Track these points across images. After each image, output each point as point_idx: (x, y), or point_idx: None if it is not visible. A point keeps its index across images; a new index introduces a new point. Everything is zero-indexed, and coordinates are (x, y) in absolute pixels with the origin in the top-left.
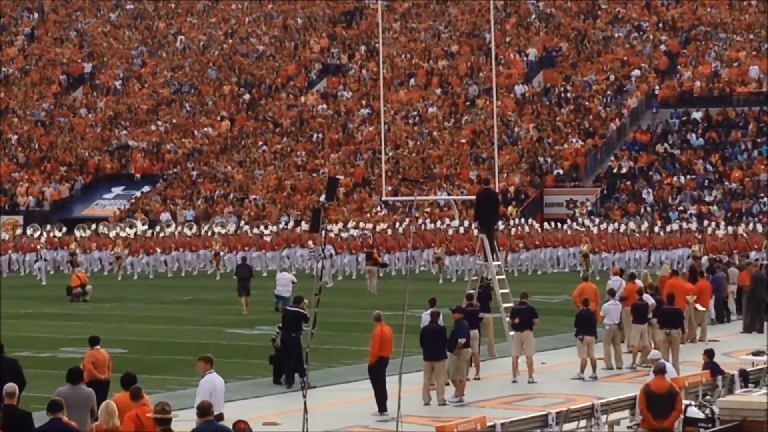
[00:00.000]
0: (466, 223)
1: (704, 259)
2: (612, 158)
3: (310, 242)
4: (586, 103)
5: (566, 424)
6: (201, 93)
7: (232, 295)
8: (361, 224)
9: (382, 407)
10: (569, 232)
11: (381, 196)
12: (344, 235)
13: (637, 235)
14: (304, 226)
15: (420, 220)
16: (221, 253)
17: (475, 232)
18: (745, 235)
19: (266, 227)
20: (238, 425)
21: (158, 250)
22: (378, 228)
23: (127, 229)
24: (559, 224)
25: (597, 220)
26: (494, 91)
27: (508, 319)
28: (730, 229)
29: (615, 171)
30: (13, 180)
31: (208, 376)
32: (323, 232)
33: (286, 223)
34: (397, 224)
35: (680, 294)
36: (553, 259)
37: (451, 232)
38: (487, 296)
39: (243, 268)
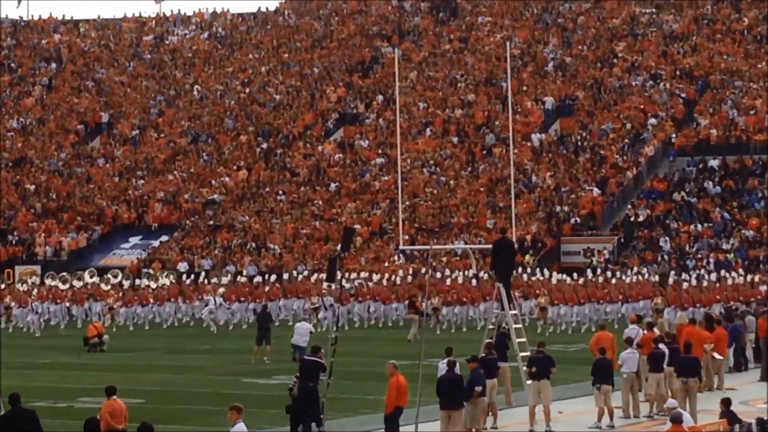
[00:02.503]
0: (468, 272)
1: (716, 308)
2: (629, 207)
3: (314, 297)
4: (603, 152)
5: None
6: (218, 142)
7: (249, 344)
8: (353, 275)
9: None
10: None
11: (398, 245)
12: (348, 285)
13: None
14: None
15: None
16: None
17: (473, 282)
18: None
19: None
20: None
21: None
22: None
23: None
24: (575, 275)
25: (610, 272)
26: (511, 139)
27: (525, 368)
28: (749, 277)
29: (632, 219)
30: (31, 230)
31: (237, 426)
32: (339, 281)
33: (301, 273)
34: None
35: (697, 342)
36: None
37: (449, 282)
38: (503, 345)
39: (264, 316)
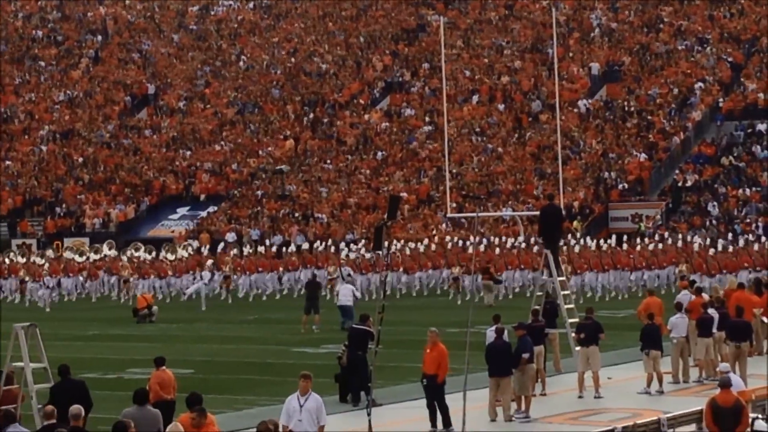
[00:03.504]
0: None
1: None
2: (677, 172)
3: (331, 267)
4: (650, 117)
5: None
6: (265, 112)
7: (297, 314)
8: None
9: (447, 423)
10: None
11: (445, 213)
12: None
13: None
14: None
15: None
16: (233, 276)
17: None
18: None
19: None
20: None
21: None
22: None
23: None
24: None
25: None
26: (557, 105)
27: (573, 334)
28: None
29: (680, 184)
30: (79, 202)
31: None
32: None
33: (353, 241)
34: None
35: (747, 307)
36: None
37: (471, 250)
38: (552, 312)
39: (312, 285)
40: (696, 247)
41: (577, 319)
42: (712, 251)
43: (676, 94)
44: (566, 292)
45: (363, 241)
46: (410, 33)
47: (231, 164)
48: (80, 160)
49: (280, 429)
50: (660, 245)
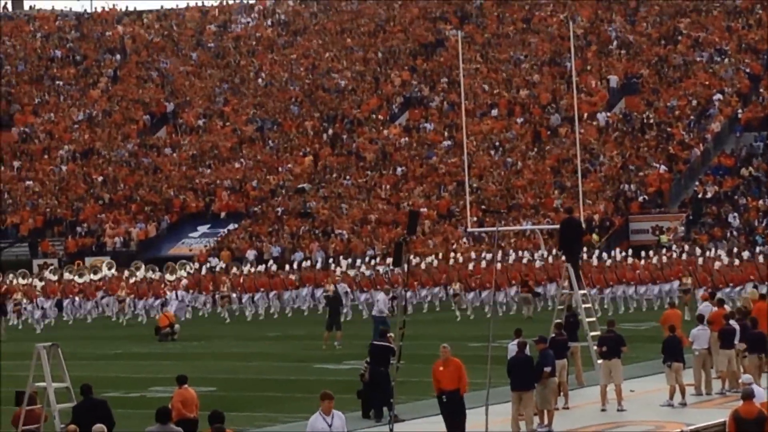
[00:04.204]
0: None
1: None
2: (697, 183)
3: (329, 285)
4: (669, 129)
5: None
6: (284, 129)
7: (319, 330)
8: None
9: None
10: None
11: (466, 228)
12: (368, 272)
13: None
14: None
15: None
16: (232, 295)
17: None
18: None
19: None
20: None
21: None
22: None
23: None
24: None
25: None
26: (576, 118)
27: (595, 347)
28: None
29: (700, 196)
30: (100, 221)
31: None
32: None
33: (372, 257)
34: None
35: (764, 318)
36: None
37: (471, 266)
38: (574, 325)
39: (334, 301)
40: (700, 261)
41: (598, 332)
42: (717, 264)
43: (695, 106)
44: (588, 306)
45: (371, 259)
46: (428, 48)
47: (251, 181)
48: (100, 179)
49: None
50: (665, 259)
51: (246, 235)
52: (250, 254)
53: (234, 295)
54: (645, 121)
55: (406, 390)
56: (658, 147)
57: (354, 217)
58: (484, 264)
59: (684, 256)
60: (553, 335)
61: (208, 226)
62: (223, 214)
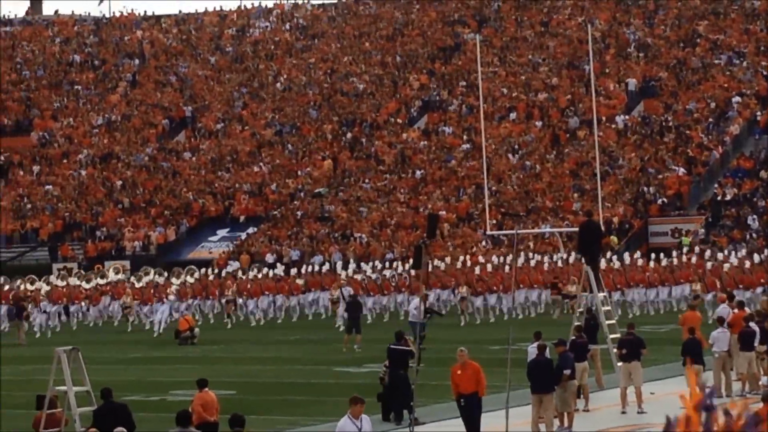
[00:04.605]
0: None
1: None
2: (716, 186)
3: (333, 290)
4: (688, 132)
5: None
6: (302, 133)
7: (340, 334)
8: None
9: None
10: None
11: (485, 231)
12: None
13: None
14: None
15: (523, 255)
16: (238, 300)
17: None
18: None
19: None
20: None
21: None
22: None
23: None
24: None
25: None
26: (595, 121)
27: (615, 350)
28: None
29: (719, 198)
30: (119, 225)
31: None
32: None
33: (390, 261)
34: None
35: None
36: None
37: (478, 270)
38: (593, 328)
39: (354, 305)
40: (708, 265)
41: (618, 335)
42: (726, 266)
43: (714, 108)
44: (607, 308)
45: (391, 262)
46: (446, 51)
47: (270, 185)
48: (119, 183)
49: None
50: (675, 261)
51: (265, 239)
52: (269, 258)
53: (240, 300)
54: (664, 123)
55: (426, 393)
56: (676, 150)
57: (373, 221)
58: (490, 268)
59: (694, 260)
60: (573, 338)
61: (228, 229)
62: (242, 218)
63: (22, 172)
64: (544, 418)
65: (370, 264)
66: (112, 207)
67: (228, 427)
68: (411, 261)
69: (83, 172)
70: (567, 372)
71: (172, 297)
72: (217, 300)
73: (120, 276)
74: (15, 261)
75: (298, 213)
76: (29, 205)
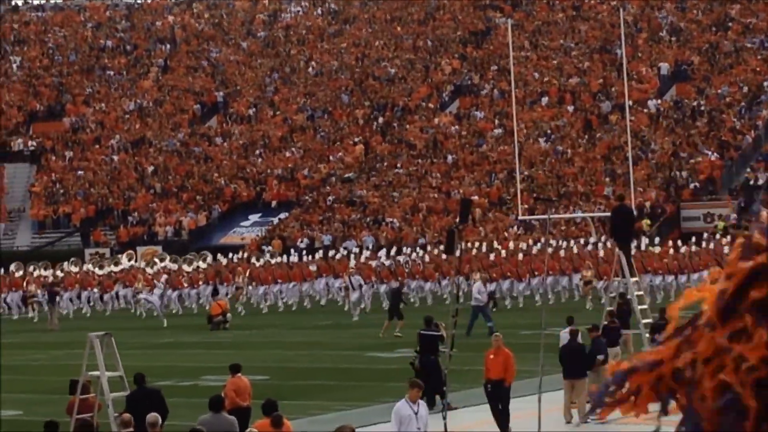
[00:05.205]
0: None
1: None
2: (748, 170)
3: (347, 275)
4: (720, 116)
5: None
6: (334, 118)
7: (370, 319)
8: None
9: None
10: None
11: (517, 216)
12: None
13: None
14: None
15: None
16: (245, 287)
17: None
18: None
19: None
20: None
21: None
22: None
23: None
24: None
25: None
26: (627, 106)
27: (647, 335)
28: None
29: (751, 183)
30: (151, 210)
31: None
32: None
33: (422, 246)
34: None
35: None
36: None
37: (492, 256)
38: (626, 313)
39: (396, 293)
40: (726, 249)
41: (650, 320)
42: None
43: (746, 92)
44: (640, 293)
45: (422, 247)
46: (478, 36)
47: (302, 170)
48: (151, 168)
49: None
50: (694, 248)
51: (297, 224)
52: (301, 243)
53: (251, 287)
54: (696, 108)
55: (459, 378)
56: (709, 134)
57: (405, 206)
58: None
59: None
60: (606, 323)
61: (260, 214)
62: (274, 203)
63: (54, 158)
64: (576, 404)
65: (378, 251)
66: (144, 192)
67: (261, 412)
68: (443, 246)
69: (115, 158)
70: (600, 357)
71: (160, 285)
72: (231, 286)
73: (132, 263)
74: (47, 247)
75: (330, 198)
76: (62, 191)
